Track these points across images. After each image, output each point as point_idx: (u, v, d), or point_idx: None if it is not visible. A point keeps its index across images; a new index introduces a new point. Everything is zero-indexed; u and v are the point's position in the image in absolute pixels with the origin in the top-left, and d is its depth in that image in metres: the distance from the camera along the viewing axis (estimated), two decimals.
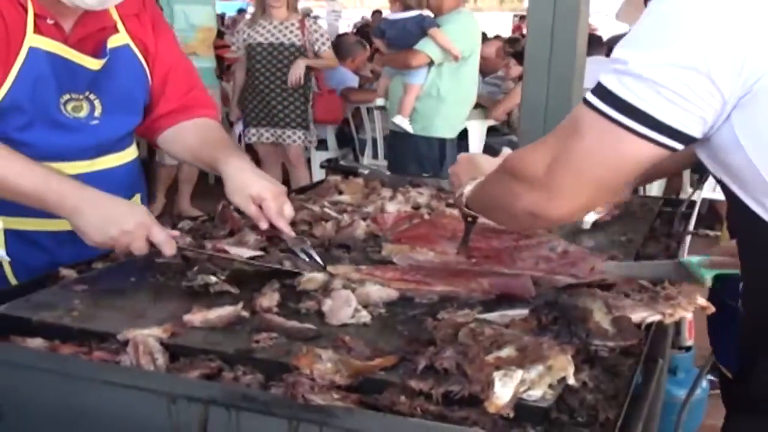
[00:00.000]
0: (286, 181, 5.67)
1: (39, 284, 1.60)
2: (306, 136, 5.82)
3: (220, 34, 9.69)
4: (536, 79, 3.25)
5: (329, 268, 1.61)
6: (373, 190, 2.37)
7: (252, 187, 1.81)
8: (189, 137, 2.02)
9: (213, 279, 1.57)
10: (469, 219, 1.68)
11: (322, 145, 6.33)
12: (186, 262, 1.71)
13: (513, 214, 1.34)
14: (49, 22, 1.82)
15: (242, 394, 1.19)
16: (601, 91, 1.15)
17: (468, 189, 1.56)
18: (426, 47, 4.84)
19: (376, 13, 18.28)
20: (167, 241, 1.63)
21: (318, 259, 1.70)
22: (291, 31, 5.68)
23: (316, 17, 15.30)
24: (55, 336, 1.37)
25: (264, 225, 1.80)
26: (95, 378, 1.28)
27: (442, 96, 5.00)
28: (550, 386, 1.15)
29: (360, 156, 6.26)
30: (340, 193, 2.32)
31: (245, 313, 1.41)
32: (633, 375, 1.26)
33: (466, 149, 5.81)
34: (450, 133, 5.10)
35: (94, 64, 1.88)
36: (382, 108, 5.78)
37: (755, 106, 1.10)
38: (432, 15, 4.93)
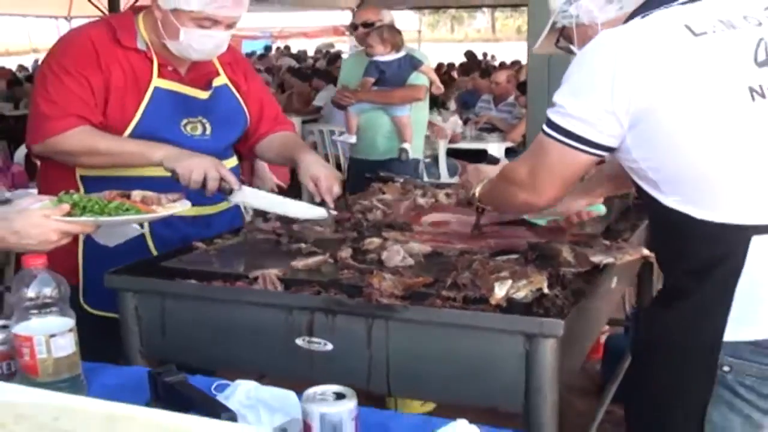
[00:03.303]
0: None
1: (181, 251, 2.30)
2: None
3: None
4: (538, 102, 3.96)
5: (384, 233, 2.31)
6: (407, 191, 3.05)
7: (311, 170, 2.58)
8: (275, 143, 2.81)
9: (303, 245, 2.26)
10: (480, 210, 2.36)
11: None
12: (277, 237, 2.41)
13: (514, 207, 2.09)
14: (169, 68, 2.55)
15: (337, 301, 1.88)
16: (552, 124, 1.78)
17: (478, 189, 2.22)
18: (422, 81, 5.28)
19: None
20: (230, 175, 2.40)
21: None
22: None
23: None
24: (204, 278, 2.07)
25: (318, 198, 2.55)
26: (238, 299, 1.98)
27: (421, 124, 5.45)
28: (531, 292, 1.83)
29: None
30: (383, 193, 3.01)
31: (331, 261, 2.11)
32: (587, 290, 1.93)
33: None
34: (421, 154, 5.61)
35: (203, 94, 2.62)
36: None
37: (639, 131, 1.69)
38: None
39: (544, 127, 1.78)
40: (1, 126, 10.10)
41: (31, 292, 1.51)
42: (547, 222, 2.45)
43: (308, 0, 19.83)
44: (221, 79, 2.69)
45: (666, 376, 1.74)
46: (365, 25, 5.34)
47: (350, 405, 1.28)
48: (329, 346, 1.91)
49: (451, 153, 6.91)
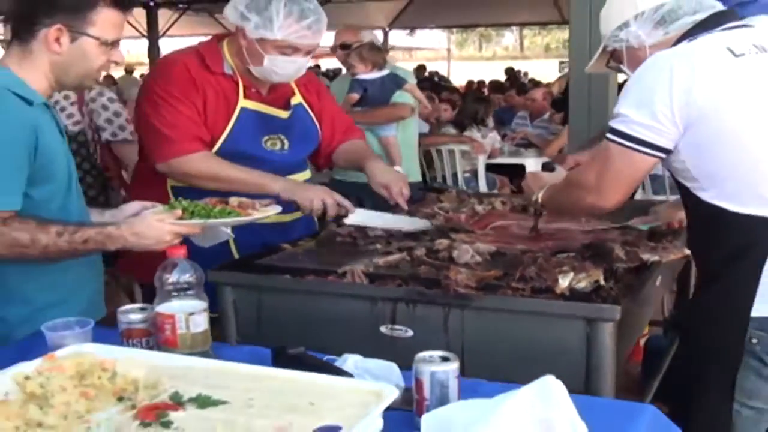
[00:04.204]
0: None
1: (270, 252, 2.57)
2: None
3: None
4: (579, 116, 4.22)
5: (452, 235, 2.57)
6: (462, 200, 3.32)
7: (378, 177, 2.88)
8: (344, 151, 3.11)
9: (379, 246, 2.53)
10: (539, 213, 2.62)
11: None
12: (353, 240, 2.67)
13: (580, 210, 2.39)
14: (253, 90, 2.84)
15: (417, 292, 2.14)
16: (618, 133, 2.04)
17: (540, 195, 2.47)
18: (407, 100, 5.19)
19: (420, 68, 19.57)
20: (344, 199, 2.68)
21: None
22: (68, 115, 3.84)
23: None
24: (296, 274, 2.33)
25: (393, 202, 2.84)
26: (329, 292, 2.24)
27: (410, 145, 5.39)
28: (590, 284, 2.08)
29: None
30: (441, 201, 3.27)
31: (408, 258, 2.37)
32: (636, 284, 2.18)
33: None
34: (419, 176, 5.51)
35: (284, 114, 2.92)
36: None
37: (691, 133, 1.97)
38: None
39: (610, 136, 2.04)
40: None
41: (172, 278, 1.79)
42: (649, 228, 2.74)
43: (339, 20, 20.22)
44: (297, 99, 2.98)
45: (702, 346, 2.04)
46: (343, 46, 5.27)
47: (454, 366, 1.54)
48: (410, 333, 2.16)
49: (490, 167, 7.16)
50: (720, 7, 2.14)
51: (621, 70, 2.34)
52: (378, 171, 2.92)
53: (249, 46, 2.73)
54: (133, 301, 3.19)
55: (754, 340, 1.96)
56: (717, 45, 1.99)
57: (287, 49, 2.71)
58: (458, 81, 18.31)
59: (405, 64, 22.68)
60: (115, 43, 2.14)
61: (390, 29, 21.63)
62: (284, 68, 2.75)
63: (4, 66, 2.08)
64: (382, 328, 2.19)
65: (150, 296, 2.59)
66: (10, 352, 1.86)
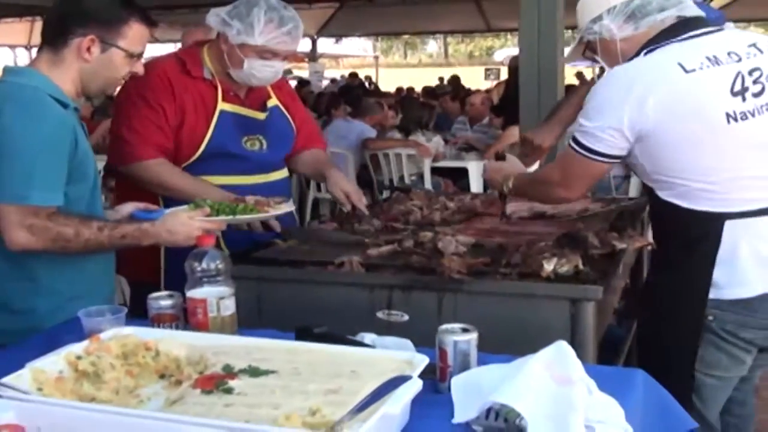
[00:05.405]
0: None
1: (261, 246, 2.71)
2: None
3: None
4: (529, 117, 4.46)
5: (437, 228, 2.75)
6: (431, 199, 3.50)
7: (341, 185, 3.09)
8: (308, 160, 3.30)
9: (367, 240, 2.69)
10: (505, 198, 2.82)
11: None
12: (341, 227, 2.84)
13: (551, 200, 2.69)
14: (231, 93, 2.99)
15: (412, 279, 2.31)
16: (575, 140, 2.28)
17: (511, 184, 2.66)
18: None
19: (352, 75, 19.87)
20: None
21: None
22: None
23: None
24: (295, 266, 2.48)
25: (348, 207, 3.05)
26: (328, 281, 2.40)
27: None
28: (571, 268, 2.28)
29: (378, 194, 7.41)
30: (411, 200, 3.45)
31: (398, 249, 2.54)
32: (610, 268, 2.40)
33: (467, 186, 7.02)
34: None
35: (260, 115, 3.07)
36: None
37: (643, 145, 2.20)
38: None
39: (571, 143, 2.30)
40: None
41: (202, 265, 1.93)
42: None
43: None
44: (273, 101, 3.14)
45: (664, 324, 2.29)
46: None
47: (474, 336, 1.72)
48: (405, 317, 2.34)
49: (434, 170, 7.37)
50: (686, 3, 2.32)
51: (596, 60, 2.55)
52: (339, 180, 3.13)
53: (230, 51, 2.88)
54: (123, 298, 3.29)
55: (710, 318, 2.21)
56: (669, 61, 2.18)
57: (267, 54, 2.86)
58: (386, 87, 18.53)
59: (333, 72, 22.93)
60: (139, 56, 2.28)
61: (318, 37, 21.81)
62: (262, 72, 2.90)
63: (38, 71, 2.19)
64: (379, 314, 2.36)
65: (138, 294, 2.71)
66: (42, 339, 1.98)
